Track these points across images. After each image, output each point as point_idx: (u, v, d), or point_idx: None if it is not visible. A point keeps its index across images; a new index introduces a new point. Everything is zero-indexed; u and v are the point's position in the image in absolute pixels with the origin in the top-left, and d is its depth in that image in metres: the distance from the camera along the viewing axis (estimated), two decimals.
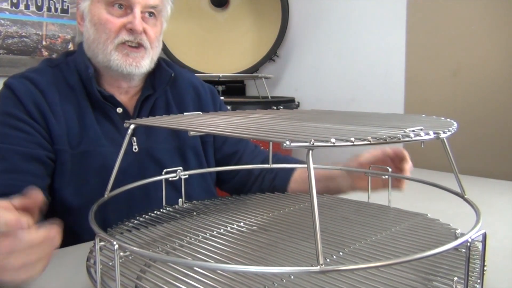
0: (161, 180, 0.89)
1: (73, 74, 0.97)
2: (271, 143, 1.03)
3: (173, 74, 1.05)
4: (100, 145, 0.94)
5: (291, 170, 1.11)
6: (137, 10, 0.94)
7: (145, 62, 0.97)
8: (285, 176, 1.11)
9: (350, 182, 1.01)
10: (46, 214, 0.90)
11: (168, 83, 1.06)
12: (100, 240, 0.54)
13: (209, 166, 1.10)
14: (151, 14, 0.98)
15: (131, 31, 0.94)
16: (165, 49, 2.18)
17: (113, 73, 0.97)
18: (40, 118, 0.91)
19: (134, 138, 0.98)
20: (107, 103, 0.97)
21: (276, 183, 1.10)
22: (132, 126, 0.71)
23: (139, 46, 0.96)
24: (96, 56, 0.96)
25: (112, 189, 0.75)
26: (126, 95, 1.02)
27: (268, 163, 1.05)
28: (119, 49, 0.94)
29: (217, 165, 1.12)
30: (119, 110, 0.98)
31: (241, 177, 1.14)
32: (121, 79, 0.99)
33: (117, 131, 0.97)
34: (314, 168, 0.48)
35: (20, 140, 0.87)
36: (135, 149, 0.98)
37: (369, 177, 0.95)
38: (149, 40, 0.97)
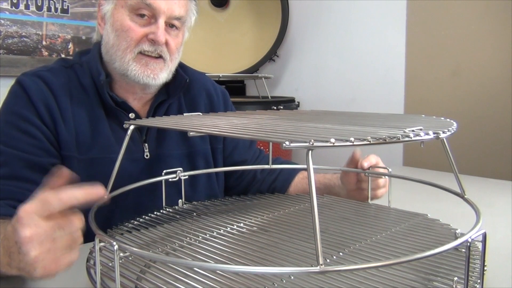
0: (169, 186, 0.89)
1: (87, 76, 0.95)
2: (271, 144, 1.03)
3: (188, 80, 1.04)
4: (112, 151, 0.92)
5: (292, 174, 1.11)
6: (161, 21, 0.91)
7: (163, 75, 0.94)
8: (286, 179, 1.11)
9: (346, 193, 1.02)
10: None
11: (183, 89, 1.04)
12: (100, 241, 0.54)
13: (218, 175, 1.09)
14: (173, 26, 0.95)
15: (153, 41, 0.91)
16: None
17: (129, 80, 0.95)
18: (50, 121, 0.88)
19: (146, 145, 0.97)
20: (119, 109, 0.95)
21: (276, 185, 1.10)
22: (132, 127, 0.71)
23: (158, 57, 0.94)
24: (114, 62, 0.94)
25: (122, 194, 0.74)
26: (139, 101, 1.00)
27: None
28: (137, 59, 0.92)
29: (225, 173, 1.11)
30: (132, 115, 0.96)
31: (246, 183, 1.14)
32: (137, 87, 0.97)
33: (129, 137, 0.96)
34: (314, 171, 0.48)
35: (25, 145, 0.85)
36: (147, 155, 0.97)
37: (369, 177, 0.95)
38: (170, 52, 0.94)
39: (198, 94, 1.09)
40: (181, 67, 1.06)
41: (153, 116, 1.00)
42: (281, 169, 1.12)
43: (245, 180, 1.13)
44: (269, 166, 1.05)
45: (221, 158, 1.10)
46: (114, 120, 0.95)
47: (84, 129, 0.91)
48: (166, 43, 0.93)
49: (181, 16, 0.95)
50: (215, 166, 1.08)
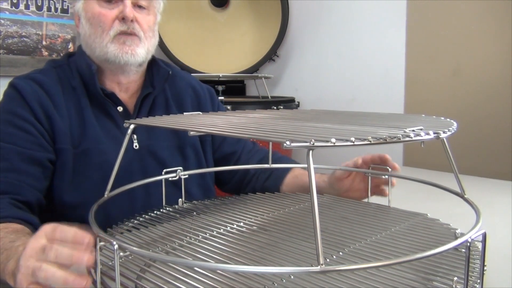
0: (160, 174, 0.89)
1: (74, 75, 0.99)
2: (270, 143, 1.03)
3: (170, 72, 1.07)
4: (100, 142, 0.95)
5: (285, 172, 1.11)
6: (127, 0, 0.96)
7: (140, 51, 0.98)
8: (278, 178, 1.11)
9: (337, 195, 1.02)
10: (46, 214, 0.90)
11: (166, 80, 1.07)
12: (100, 240, 0.54)
13: (208, 165, 1.11)
14: (141, 6, 1.00)
15: (123, 20, 0.96)
16: (165, 49, 2.18)
17: (111, 66, 0.99)
18: (45, 119, 0.92)
19: (135, 136, 1.00)
20: (108, 101, 0.99)
21: (268, 184, 1.11)
22: (132, 126, 0.71)
23: (132, 34, 0.98)
24: (94, 51, 0.98)
25: (114, 186, 0.75)
26: (126, 93, 1.04)
27: (266, 162, 1.06)
28: (115, 39, 0.96)
29: (215, 165, 1.13)
30: (120, 108, 1.00)
31: (239, 177, 1.14)
32: (120, 73, 1.00)
33: (118, 129, 0.99)
34: (312, 169, 0.48)
35: (22, 141, 0.88)
36: (136, 146, 0.99)
37: (369, 177, 0.95)
38: (142, 29, 0.99)
39: (183, 89, 1.13)
40: (164, 63, 1.11)
41: (140, 108, 1.03)
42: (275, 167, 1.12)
43: (238, 175, 1.14)
44: (269, 165, 1.05)
45: (210, 150, 1.13)
46: (100, 111, 0.99)
47: (75, 123, 0.95)
48: (137, 21, 0.98)
49: None
50: (205, 158, 1.11)
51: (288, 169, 1.11)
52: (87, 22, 0.98)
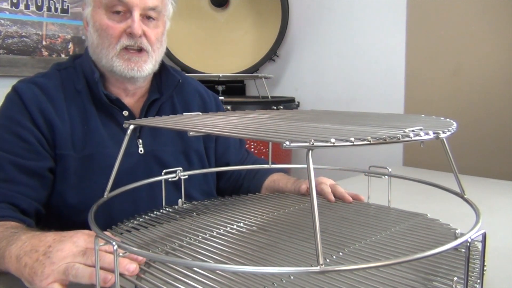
0: (165, 181, 0.89)
1: (80, 78, 0.98)
2: (270, 143, 1.03)
3: (180, 80, 1.06)
4: (105, 147, 0.94)
5: (264, 177, 1.13)
6: (136, 14, 0.93)
7: (147, 66, 0.97)
8: (258, 183, 1.13)
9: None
10: (52, 217, 0.90)
11: (175, 89, 1.07)
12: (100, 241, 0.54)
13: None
14: (150, 17, 0.97)
15: (131, 35, 0.93)
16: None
17: (117, 76, 0.97)
18: (44, 125, 0.90)
19: (140, 140, 0.99)
20: (113, 106, 0.98)
21: (250, 188, 1.13)
22: (131, 127, 0.71)
23: (140, 50, 0.96)
24: (100, 61, 0.97)
25: (117, 188, 0.75)
26: (132, 97, 1.03)
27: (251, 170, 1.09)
28: (121, 55, 0.94)
29: (217, 174, 1.14)
30: (125, 113, 0.99)
31: (233, 183, 1.16)
32: (126, 81, 0.99)
33: (123, 134, 0.97)
34: (314, 170, 0.48)
35: (18, 149, 0.87)
36: (141, 150, 0.98)
37: (369, 177, 0.95)
38: (150, 43, 0.96)
39: (191, 95, 1.12)
40: (175, 71, 1.10)
41: (146, 113, 1.02)
42: (258, 171, 1.14)
43: (233, 181, 1.16)
44: (269, 166, 1.05)
45: (213, 157, 1.13)
46: (106, 116, 0.98)
47: (78, 127, 0.94)
48: (145, 35, 0.95)
49: (155, 6, 0.96)
50: (208, 163, 1.11)
51: (268, 173, 1.14)
52: (95, 32, 0.95)
